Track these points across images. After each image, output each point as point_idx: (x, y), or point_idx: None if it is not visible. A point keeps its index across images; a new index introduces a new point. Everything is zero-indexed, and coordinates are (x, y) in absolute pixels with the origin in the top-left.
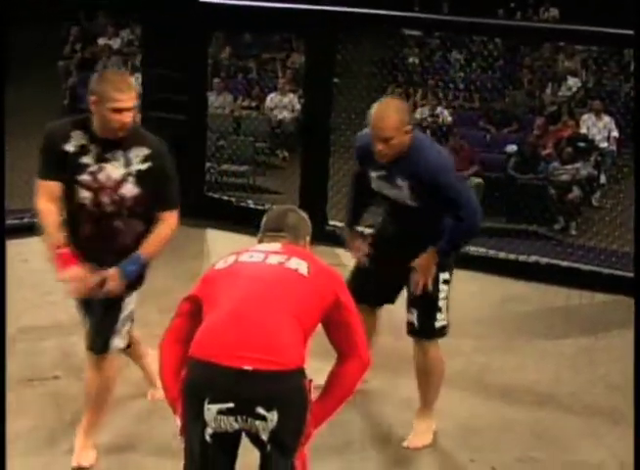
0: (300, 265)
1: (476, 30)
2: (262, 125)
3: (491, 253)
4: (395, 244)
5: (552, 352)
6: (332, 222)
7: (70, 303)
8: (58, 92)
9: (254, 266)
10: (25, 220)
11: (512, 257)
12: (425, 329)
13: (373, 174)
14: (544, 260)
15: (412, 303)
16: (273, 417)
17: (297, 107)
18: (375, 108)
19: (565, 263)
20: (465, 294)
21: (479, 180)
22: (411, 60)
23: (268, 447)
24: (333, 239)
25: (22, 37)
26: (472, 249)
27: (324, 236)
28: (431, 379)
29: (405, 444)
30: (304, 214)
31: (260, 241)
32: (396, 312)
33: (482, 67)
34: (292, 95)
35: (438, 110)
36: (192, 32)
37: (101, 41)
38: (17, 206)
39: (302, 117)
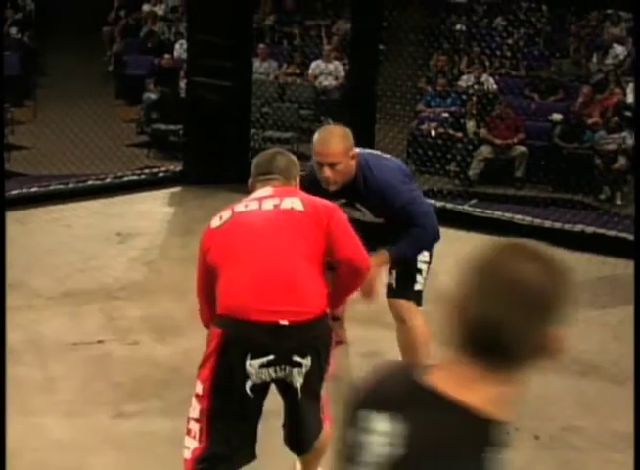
0: (294, 203)
1: None
2: (307, 92)
3: (537, 222)
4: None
5: (597, 322)
6: None
7: (113, 267)
8: (102, 58)
9: (254, 216)
10: (70, 186)
11: (557, 226)
12: (403, 289)
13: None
14: (590, 230)
15: (392, 265)
16: (308, 363)
17: (342, 74)
18: (317, 134)
19: (611, 233)
20: None
21: (523, 149)
22: (458, 27)
23: (300, 394)
24: None
25: (67, 3)
26: (517, 217)
27: None
28: (414, 351)
29: None
30: (293, 156)
31: (253, 187)
32: None
33: (529, 34)
34: (336, 62)
35: (484, 77)
36: None
37: (145, 7)
38: (62, 171)
39: (348, 85)
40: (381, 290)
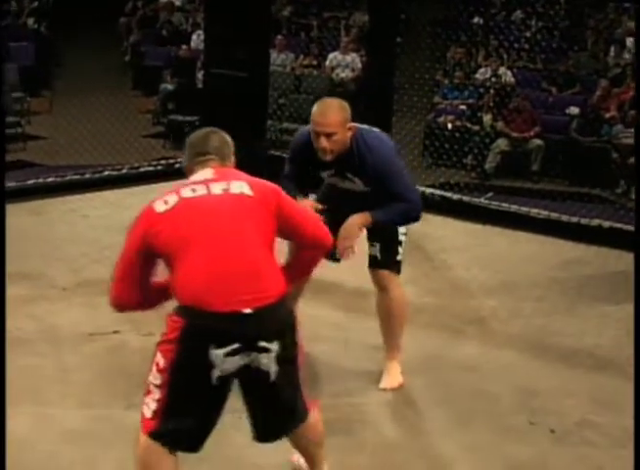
0: (243, 187)
1: None
2: (323, 84)
3: (553, 215)
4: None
5: (613, 317)
6: None
7: None
8: (119, 49)
9: (205, 202)
10: (86, 176)
11: (574, 220)
12: (387, 260)
13: (323, 174)
14: (606, 224)
15: (373, 237)
16: (275, 347)
17: (359, 66)
18: (316, 106)
19: (627, 227)
20: (526, 256)
21: (540, 142)
22: (475, 19)
23: (271, 378)
24: None
25: None
26: (533, 211)
27: None
28: (395, 320)
29: (381, 385)
30: (226, 135)
31: (190, 169)
32: None
33: (546, 27)
34: (354, 54)
35: (501, 70)
36: None
37: None
38: (78, 162)
39: (365, 77)
40: (357, 251)
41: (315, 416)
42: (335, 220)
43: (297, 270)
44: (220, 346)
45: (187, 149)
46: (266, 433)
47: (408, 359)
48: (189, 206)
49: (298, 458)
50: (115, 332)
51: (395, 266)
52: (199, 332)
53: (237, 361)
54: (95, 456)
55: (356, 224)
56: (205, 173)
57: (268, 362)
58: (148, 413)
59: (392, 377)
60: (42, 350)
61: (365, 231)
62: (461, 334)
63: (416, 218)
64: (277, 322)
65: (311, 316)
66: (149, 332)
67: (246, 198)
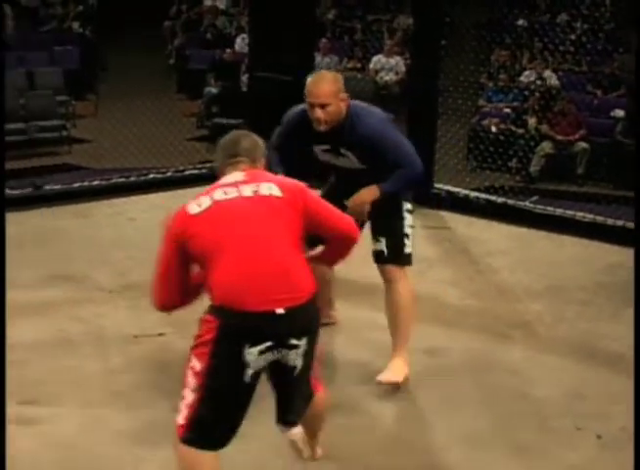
0: (272, 188)
1: None
2: (367, 87)
3: (598, 219)
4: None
5: None
6: (437, 185)
7: None
8: (163, 53)
9: (237, 204)
10: (132, 179)
11: (619, 223)
12: (395, 255)
13: (316, 149)
14: None
15: (378, 232)
16: (304, 343)
17: (403, 69)
18: (310, 78)
19: None
20: (571, 259)
21: (585, 145)
22: (520, 22)
23: (296, 372)
24: (438, 202)
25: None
26: (578, 214)
27: (429, 199)
28: (402, 314)
29: (378, 379)
30: (257, 137)
31: (222, 171)
32: None
33: (592, 29)
34: (398, 57)
35: (546, 73)
36: None
37: (207, 2)
38: (123, 165)
39: (410, 80)
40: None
41: (321, 394)
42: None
43: (327, 261)
44: (254, 344)
45: (218, 151)
46: (287, 417)
47: (453, 362)
48: (221, 208)
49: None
50: (160, 334)
51: (404, 260)
52: (234, 331)
53: (268, 358)
54: (143, 458)
55: (365, 199)
56: (235, 175)
57: (296, 358)
58: (181, 420)
59: (393, 372)
60: (88, 351)
61: (370, 228)
62: (506, 337)
63: (418, 180)
64: (307, 320)
65: (351, 318)
66: (193, 335)
67: (275, 199)
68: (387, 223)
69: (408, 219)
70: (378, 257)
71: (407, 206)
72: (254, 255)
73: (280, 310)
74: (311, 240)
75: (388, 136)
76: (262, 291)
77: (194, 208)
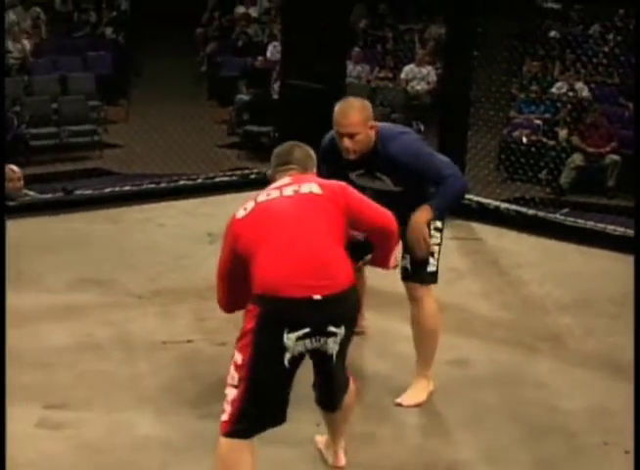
0: (312, 187)
1: (618, 3)
2: (398, 96)
3: (629, 232)
4: None
5: None
6: (468, 196)
7: (204, 267)
8: (195, 59)
9: (278, 202)
10: (162, 185)
11: (633, 234)
12: (417, 272)
13: (352, 175)
14: None
15: (405, 249)
16: (342, 331)
17: (434, 79)
18: (338, 106)
19: None
20: (599, 272)
21: (616, 158)
22: (552, 33)
23: (334, 360)
24: (469, 213)
25: (161, 3)
26: (609, 227)
27: (460, 210)
28: (425, 334)
29: (398, 400)
30: (310, 149)
31: (273, 177)
32: None
33: (624, 41)
34: (429, 67)
35: (578, 85)
36: (332, 1)
37: (239, 9)
38: (154, 170)
39: (441, 90)
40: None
41: (351, 386)
42: None
43: (380, 259)
44: (293, 330)
45: (272, 159)
46: (325, 402)
47: (481, 374)
48: (263, 209)
49: (321, 440)
50: (189, 341)
51: (428, 278)
52: (273, 317)
53: (307, 344)
54: (169, 464)
55: (421, 221)
56: (282, 180)
57: (334, 346)
58: (225, 416)
59: (413, 394)
60: (116, 356)
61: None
62: (535, 350)
63: (464, 189)
64: (345, 308)
65: (382, 331)
66: (222, 342)
67: (314, 196)
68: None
69: (435, 237)
70: (403, 273)
71: (437, 224)
72: (294, 247)
73: (317, 297)
74: (358, 252)
75: (422, 153)
76: (300, 278)
77: (241, 212)
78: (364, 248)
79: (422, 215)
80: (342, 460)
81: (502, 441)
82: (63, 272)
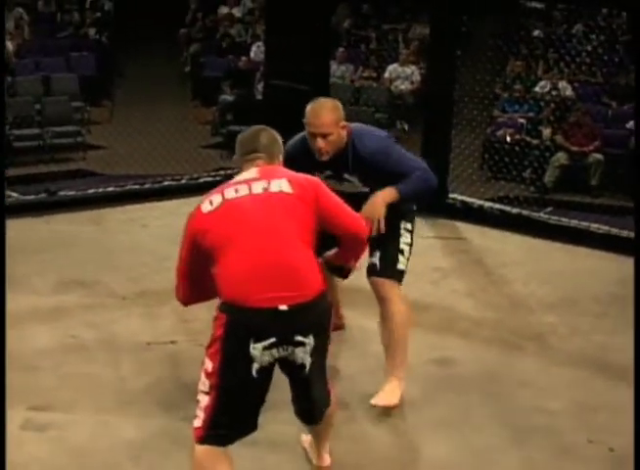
0: (282, 184)
1: (600, 2)
2: (382, 96)
3: (613, 231)
4: None
5: None
6: (452, 195)
7: None
8: (178, 60)
9: (247, 202)
10: (146, 186)
11: (634, 235)
12: (385, 268)
13: (319, 176)
14: None
15: (374, 247)
16: (311, 341)
17: (418, 78)
18: (309, 107)
19: None
20: (584, 271)
21: (599, 156)
22: (535, 33)
23: (307, 370)
24: (453, 212)
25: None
26: (593, 226)
27: (444, 209)
28: (395, 339)
29: (372, 402)
30: (276, 133)
31: (240, 167)
32: None
33: (608, 40)
34: (413, 67)
35: (561, 84)
36: (316, 1)
37: (223, 9)
38: (137, 171)
39: (425, 89)
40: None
41: (333, 399)
42: None
43: (340, 260)
44: (258, 340)
45: (237, 146)
46: (304, 415)
47: (465, 373)
48: (231, 207)
49: (306, 439)
50: (173, 342)
51: (396, 275)
52: (240, 327)
53: (274, 354)
54: (154, 465)
55: (382, 200)
56: (250, 173)
57: (304, 356)
58: (197, 423)
59: (386, 394)
60: (100, 358)
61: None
62: (519, 349)
63: (432, 184)
64: (314, 317)
65: (361, 329)
66: (205, 343)
67: (285, 195)
68: (382, 238)
69: (405, 237)
70: (370, 270)
71: (407, 225)
72: (261, 251)
73: (283, 307)
74: (326, 243)
75: (392, 151)
76: (267, 287)
77: (207, 206)
78: (327, 242)
79: (385, 195)
80: (327, 460)
81: (487, 439)
82: (46, 273)
